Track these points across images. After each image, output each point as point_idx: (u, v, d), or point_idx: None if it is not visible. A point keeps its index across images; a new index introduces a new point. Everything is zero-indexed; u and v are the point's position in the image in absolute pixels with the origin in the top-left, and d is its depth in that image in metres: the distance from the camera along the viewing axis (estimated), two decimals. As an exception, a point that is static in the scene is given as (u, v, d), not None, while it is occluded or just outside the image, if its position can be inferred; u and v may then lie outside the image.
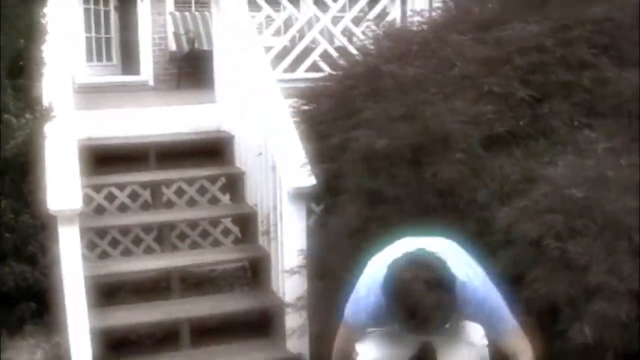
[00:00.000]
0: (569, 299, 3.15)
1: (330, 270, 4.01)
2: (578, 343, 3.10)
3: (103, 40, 9.58)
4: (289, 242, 4.43)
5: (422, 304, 2.78)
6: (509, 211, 3.42)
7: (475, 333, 3.23)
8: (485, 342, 3.23)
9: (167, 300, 4.84)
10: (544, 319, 3.38)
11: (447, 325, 2.91)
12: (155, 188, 5.39)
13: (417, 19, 4.98)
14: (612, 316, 3.02)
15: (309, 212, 5.32)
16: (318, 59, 6.49)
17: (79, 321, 4.13)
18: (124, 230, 5.67)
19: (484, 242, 3.59)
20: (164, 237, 5.25)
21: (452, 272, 2.89)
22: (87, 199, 5.46)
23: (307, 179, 4.30)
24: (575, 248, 3.14)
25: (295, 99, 4.96)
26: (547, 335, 3.35)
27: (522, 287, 3.34)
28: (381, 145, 3.83)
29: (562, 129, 3.85)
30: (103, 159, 5.10)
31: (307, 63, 6.62)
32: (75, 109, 4.64)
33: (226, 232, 5.96)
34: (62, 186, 4.04)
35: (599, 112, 3.94)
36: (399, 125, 3.87)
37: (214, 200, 5.87)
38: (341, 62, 5.30)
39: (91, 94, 6.93)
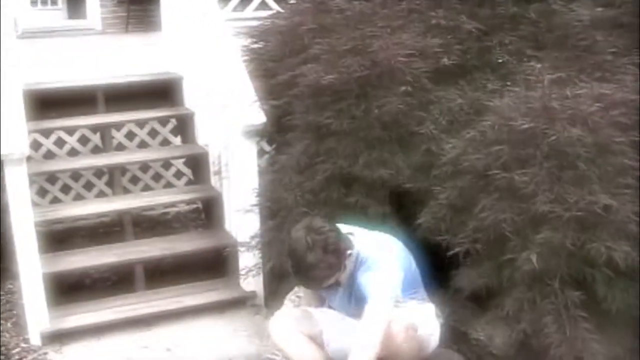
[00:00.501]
0: (516, 228, 3.19)
1: (282, 208, 4.01)
2: (526, 270, 3.15)
3: (48, -18, 9.34)
4: (241, 180, 4.40)
5: (302, 261, 3.14)
6: (457, 143, 3.44)
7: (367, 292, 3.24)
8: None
9: (120, 243, 4.80)
10: (493, 249, 3.42)
11: (332, 282, 3.21)
12: (105, 131, 5.30)
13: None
14: (558, 244, 3.07)
15: (262, 152, 5.30)
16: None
17: (30, 267, 4.09)
18: (75, 175, 5.58)
19: (432, 174, 3.62)
20: (115, 181, 5.18)
21: (341, 241, 3.18)
22: (36, 145, 5.38)
23: (257, 117, 4.26)
24: (521, 177, 3.17)
25: (245, 38, 4.89)
26: (496, 264, 3.40)
27: (471, 217, 3.37)
28: (328, 80, 3.81)
29: (508, 61, 3.86)
30: (51, 104, 5.00)
31: (256, 1, 6.49)
32: (20, 54, 4.52)
33: (178, 174, 5.90)
34: (8, 130, 3.96)
35: (545, 44, 3.95)
36: (346, 59, 3.85)
37: (165, 143, 5.78)
38: (289, -1, 5.24)
39: (36, 39, 6.77)
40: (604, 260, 3.03)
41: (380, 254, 3.28)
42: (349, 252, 3.23)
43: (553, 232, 3.05)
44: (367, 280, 3.20)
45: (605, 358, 3.22)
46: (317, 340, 3.50)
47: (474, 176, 3.37)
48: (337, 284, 3.29)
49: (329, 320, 3.52)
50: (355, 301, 3.33)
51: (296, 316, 3.58)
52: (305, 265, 3.13)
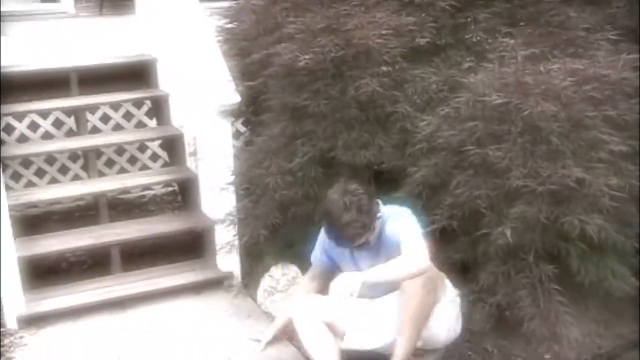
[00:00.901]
0: (490, 203, 3.20)
1: (258, 187, 3.99)
2: (500, 245, 3.16)
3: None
4: (217, 161, 4.39)
5: (338, 220, 3.30)
6: (431, 119, 3.43)
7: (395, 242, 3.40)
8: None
9: (96, 226, 4.76)
10: (468, 224, 3.44)
11: (363, 240, 3.35)
12: (79, 114, 5.24)
13: None
14: (533, 218, 3.07)
15: (237, 134, 5.28)
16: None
17: (5, 250, 4.04)
18: (50, 159, 5.52)
19: (408, 152, 3.61)
20: (90, 164, 5.13)
21: (373, 204, 3.36)
22: (9, 128, 5.31)
23: (232, 97, 4.24)
24: (495, 153, 3.17)
25: (218, 18, 4.85)
26: (471, 240, 3.41)
27: (446, 194, 3.37)
28: (304, 60, 3.78)
29: (482, 38, 3.85)
30: (24, 87, 4.95)
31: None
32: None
33: (154, 157, 5.84)
34: (-20, 114, 3.91)
35: (518, 20, 3.95)
36: (321, 39, 3.82)
37: (140, 125, 5.73)
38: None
39: (8, 22, 6.67)
40: (577, 233, 3.05)
41: (402, 211, 3.44)
42: (378, 214, 3.39)
43: (527, 207, 3.06)
44: (396, 227, 3.36)
45: (579, 331, 3.25)
46: (336, 329, 3.55)
47: (448, 153, 3.37)
48: (367, 243, 3.41)
49: (351, 311, 3.57)
50: (385, 253, 3.42)
51: (320, 303, 3.60)
52: (341, 223, 3.30)
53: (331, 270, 3.65)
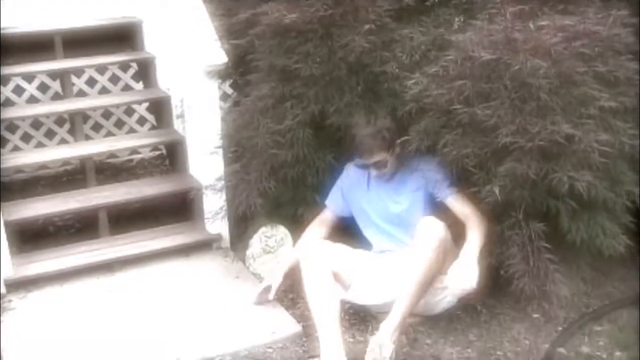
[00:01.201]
0: (479, 161, 3.16)
1: (247, 150, 3.94)
2: (490, 203, 3.12)
3: None
4: (204, 123, 4.33)
5: (361, 131, 3.58)
6: (420, 78, 3.37)
7: (412, 184, 3.72)
8: (420, 192, 3.71)
9: (83, 189, 4.70)
10: (457, 183, 3.40)
11: (382, 158, 3.61)
12: (64, 78, 5.15)
13: None
14: (522, 175, 3.04)
15: (225, 96, 5.21)
16: None
17: (-8, 214, 3.99)
18: (36, 124, 5.45)
19: (398, 115, 3.56)
20: (77, 128, 5.05)
21: (394, 129, 3.58)
22: (-6, 93, 5.25)
23: (219, 57, 4.17)
24: (484, 111, 3.12)
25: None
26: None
27: (435, 153, 3.33)
28: (291, 19, 3.71)
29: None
30: (7, 50, 4.84)
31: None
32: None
33: (141, 120, 5.79)
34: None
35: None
36: (309, -2, 3.75)
37: (127, 89, 5.67)
38: None
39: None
40: (567, 190, 3.01)
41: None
42: (398, 141, 3.58)
43: (516, 164, 3.03)
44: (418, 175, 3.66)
45: (568, 289, 3.23)
46: (341, 279, 3.62)
47: (436, 112, 3.32)
48: (384, 165, 3.65)
49: (360, 263, 3.70)
50: (403, 192, 3.71)
51: (330, 251, 3.66)
52: (364, 133, 3.57)
53: (343, 216, 3.92)
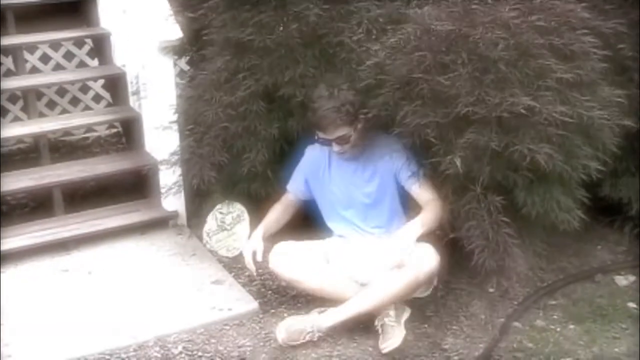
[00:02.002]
0: (440, 132, 3.08)
1: (201, 125, 3.82)
2: (450, 175, 3.06)
3: None
4: (159, 99, 4.20)
5: (323, 104, 3.36)
6: (378, 49, 3.29)
7: (378, 171, 3.55)
8: (385, 179, 3.54)
9: (37, 167, 4.54)
10: (417, 155, 3.34)
11: (345, 134, 3.40)
12: (17, 54, 4.94)
13: None
14: (483, 146, 2.98)
15: (182, 73, 5.08)
16: None
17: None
18: (-13, 101, 5.27)
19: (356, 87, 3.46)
20: (30, 105, 4.87)
21: (358, 103, 3.37)
22: (-55, 69, 5.04)
23: (173, 32, 4.06)
24: (442, 82, 3.04)
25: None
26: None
27: (395, 125, 3.24)
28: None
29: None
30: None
31: None
32: None
33: (97, 97, 5.64)
34: None
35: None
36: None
37: (81, 65, 5.51)
38: None
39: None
40: (527, 162, 2.95)
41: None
42: (362, 115, 3.38)
43: (477, 135, 2.95)
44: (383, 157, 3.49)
45: (525, 263, 3.19)
46: (320, 259, 3.56)
47: (396, 84, 3.23)
48: (346, 141, 3.43)
49: (332, 246, 3.62)
50: (366, 175, 3.55)
51: (297, 245, 3.57)
52: (327, 107, 3.35)
53: (304, 200, 3.74)
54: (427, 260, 3.29)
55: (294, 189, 3.75)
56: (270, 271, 3.62)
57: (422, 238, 3.32)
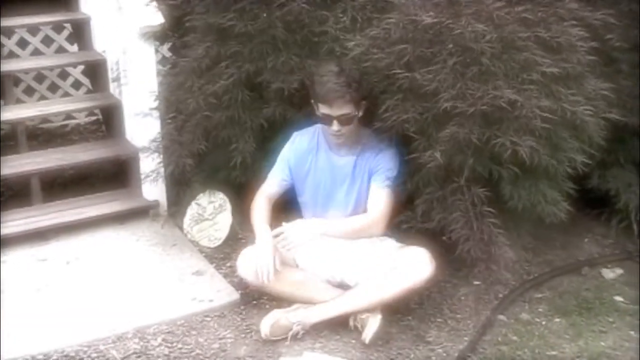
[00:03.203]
0: (420, 127, 3.15)
1: (182, 112, 3.88)
2: (432, 170, 3.13)
3: None
4: (140, 86, 4.25)
5: (332, 77, 3.34)
6: (361, 40, 3.35)
7: (365, 171, 3.55)
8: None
9: (16, 155, 4.59)
10: (400, 150, 3.40)
11: (348, 112, 3.38)
12: (-7, 38, 5.03)
13: None
14: (464, 139, 3.04)
15: (164, 60, 5.12)
16: None
17: None
18: (-37, 86, 5.30)
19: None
20: (7, 91, 4.89)
21: (363, 84, 3.36)
22: None
23: (155, 17, 4.10)
24: (424, 76, 3.11)
25: None
26: (403, 163, 3.38)
27: (375, 119, 3.31)
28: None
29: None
30: None
31: None
32: None
33: (77, 84, 5.67)
34: None
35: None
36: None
37: (60, 50, 5.55)
38: None
39: None
40: (509, 156, 3.02)
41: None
42: (364, 102, 3.42)
43: (458, 128, 3.02)
44: (377, 157, 3.51)
45: (512, 251, 3.25)
46: (290, 262, 3.56)
47: (376, 77, 3.29)
48: (349, 121, 3.41)
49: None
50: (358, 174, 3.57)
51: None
52: (337, 81, 3.33)
53: (287, 189, 3.70)
54: (423, 267, 3.35)
55: (279, 177, 3.69)
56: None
57: (416, 242, 3.41)
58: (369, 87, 3.36)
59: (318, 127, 3.62)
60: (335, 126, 3.42)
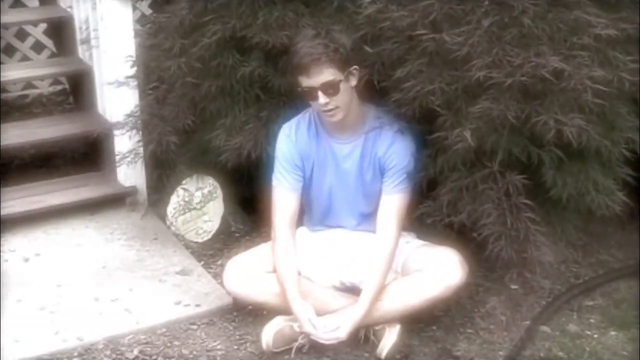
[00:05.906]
0: (447, 99, 3.15)
1: (164, 79, 3.91)
2: (459, 151, 3.13)
3: None
4: (114, 49, 4.28)
5: (307, 43, 3.29)
6: (377, -4, 3.35)
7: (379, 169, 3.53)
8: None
9: (-35, 131, 4.64)
10: (420, 128, 3.40)
11: (332, 79, 3.30)
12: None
13: None
14: (499, 117, 3.04)
15: (143, 19, 5.13)
16: None
17: None
18: None
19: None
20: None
21: (350, 48, 3.34)
22: None
23: (131, -34, 4.13)
24: (453, 39, 3.11)
25: None
26: (424, 143, 3.39)
27: (392, 89, 3.31)
28: None
29: None
30: None
31: None
32: None
33: (38, 46, 5.71)
34: None
35: None
36: None
37: (17, 5, 5.55)
38: None
39: None
40: (553, 136, 3.02)
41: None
42: (355, 67, 3.36)
43: (492, 103, 3.02)
44: (389, 150, 3.48)
45: (553, 255, 3.26)
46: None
47: (396, 39, 3.30)
48: (335, 89, 3.32)
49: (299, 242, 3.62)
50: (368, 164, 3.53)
51: (255, 255, 3.62)
52: (310, 45, 3.29)
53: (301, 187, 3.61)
54: (452, 272, 3.37)
55: (297, 195, 3.59)
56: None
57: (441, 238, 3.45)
58: (363, 52, 3.36)
59: (312, 114, 3.59)
60: (322, 99, 3.35)
